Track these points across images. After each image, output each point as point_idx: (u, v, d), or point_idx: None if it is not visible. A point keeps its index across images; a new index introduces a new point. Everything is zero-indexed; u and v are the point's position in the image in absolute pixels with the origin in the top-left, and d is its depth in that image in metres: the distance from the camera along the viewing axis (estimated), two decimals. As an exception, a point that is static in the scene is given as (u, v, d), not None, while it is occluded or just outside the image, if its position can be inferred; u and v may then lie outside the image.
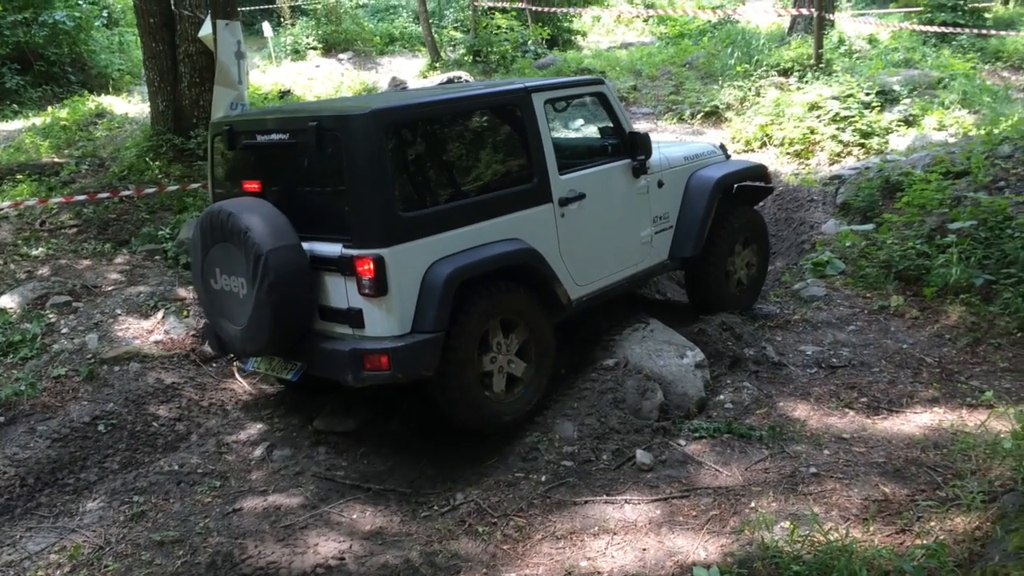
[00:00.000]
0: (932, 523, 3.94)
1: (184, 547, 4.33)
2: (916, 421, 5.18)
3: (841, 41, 15.34)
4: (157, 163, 9.30)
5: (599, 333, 6.02)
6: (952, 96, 12.07)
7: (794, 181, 10.25)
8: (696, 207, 6.39)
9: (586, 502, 4.47)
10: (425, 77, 17.54)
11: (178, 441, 5.56)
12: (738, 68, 14.16)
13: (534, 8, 20.03)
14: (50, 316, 6.55)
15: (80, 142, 11.80)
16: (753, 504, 4.31)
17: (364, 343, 4.68)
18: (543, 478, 4.69)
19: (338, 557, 4.18)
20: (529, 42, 18.94)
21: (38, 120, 13.26)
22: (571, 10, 21.38)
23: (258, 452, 5.34)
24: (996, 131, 9.14)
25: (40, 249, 7.77)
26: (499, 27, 18.40)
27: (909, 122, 11.49)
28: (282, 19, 23.47)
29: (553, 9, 20.70)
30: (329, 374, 4.89)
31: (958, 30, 17.52)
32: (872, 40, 16.42)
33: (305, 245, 4.75)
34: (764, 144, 11.74)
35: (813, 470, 4.60)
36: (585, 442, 4.95)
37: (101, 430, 5.46)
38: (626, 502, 4.45)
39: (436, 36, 19.45)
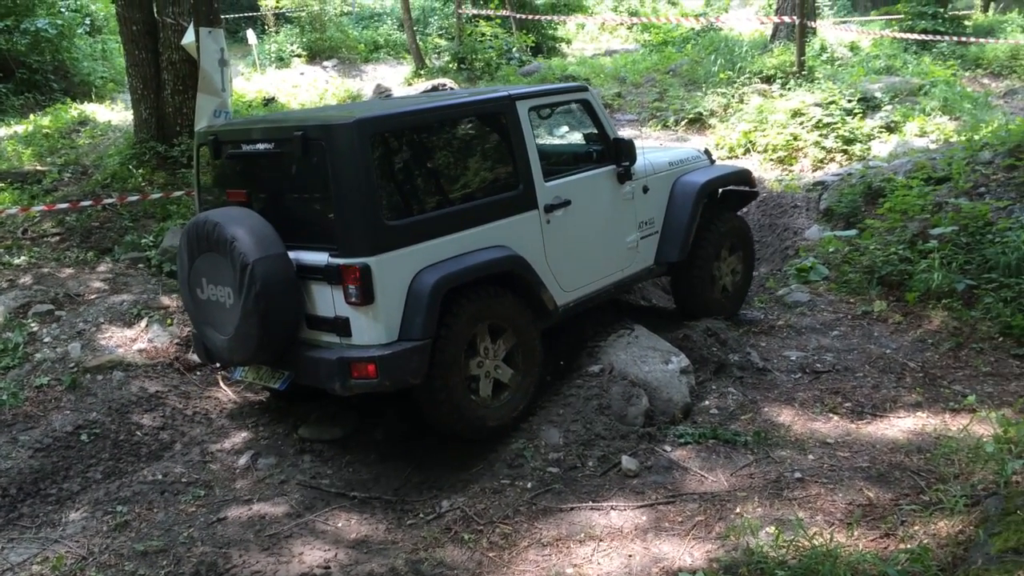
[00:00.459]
0: (916, 527, 3.96)
1: (168, 557, 4.30)
2: (899, 425, 5.21)
3: (823, 48, 15.46)
4: (140, 171, 9.26)
5: (584, 339, 6.03)
6: (933, 103, 12.18)
7: (778, 187, 10.30)
8: (681, 212, 6.42)
9: (572, 509, 4.47)
10: (410, 84, 17.53)
11: (162, 450, 5.52)
12: (721, 75, 14.24)
13: (518, 15, 20.10)
14: (32, 325, 6.50)
15: (63, 150, 11.72)
16: (738, 509, 4.32)
17: (351, 351, 4.67)
18: (529, 485, 4.69)
19: (323, 566, 4.16)
20: (514, 49, 18.98)
21: (20, 128, 13.16)
22: (555, 18, 21.44)
23: (243, 461, 5.31)
24: (976, 137, 9.23)
25: (22, 258, 7.71)
26: (484, 34, 18.43)
27: (891, 128, 11.59)
28: (266, 26, 23.40)
29: (537, 16, 20.77)
30: (316, 383, 4.87)
31: (938, 38, 17.68)
32: (854, 47, 16.57)
33: (291, 254, 4.75)
34: (748, 150, 11.80)
35: (798, 475, 4.62)
36: (571, 448, 4.96)
37: (84, 439, 5.42)
38: (612, 508, 4.45)
39: (421, 44, 19.45)
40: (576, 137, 6.65)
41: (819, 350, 6.46)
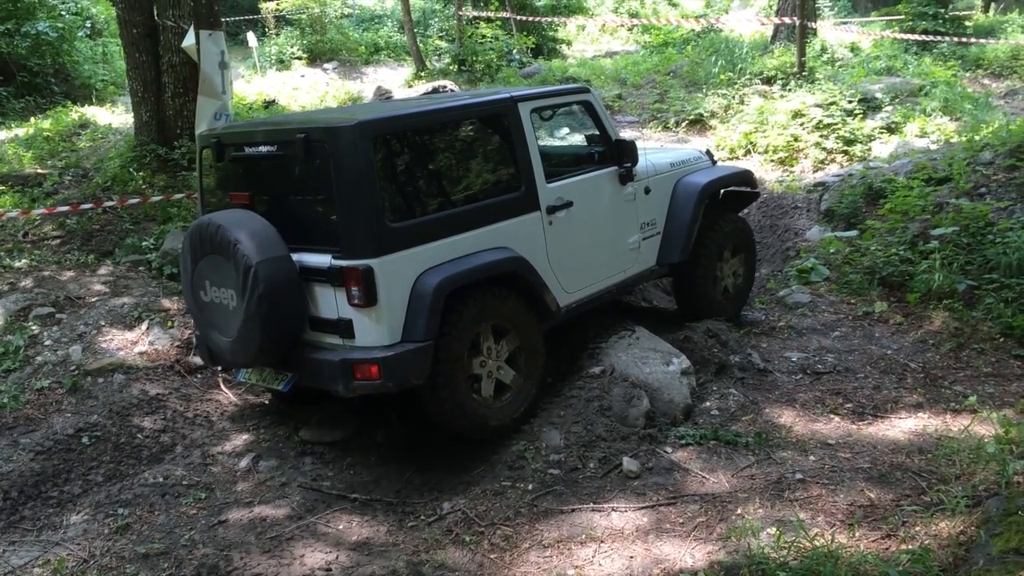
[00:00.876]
0: (917, 528, 3.96)
1: (169, 559, 4.31)
2: (901, 426, 5.21)
3: (823, 49, 15.46)
4: (141, 174, 9.26)
5: (585, 341, 6.03)
6: (933, 103, 12.18)
7: (778, 188, 10.30)
8: (683, 213, 6.43)
9: (573, 510, 4.47)
10: (410, 86, 17.55)
11: (163, 453, 5.52)
12: (722, 76, 14.24)
13: (519, 17, 20.10)
14: (33, 328, 6.50)
15: (63, 153, 11.72)
16: (740, 511, 4.32)
17: (354, 353, 4.69)
18: (530, 486, 4.69)
19: (325, 568, 4.16)
20: (514, 51, 18.99)
21: (21, 131, 13.17)
22: (556, 19, 21.45)
23: (244, 463, 5.31)
24: (977, 138, 9.22)
25: (23, 261, 7.71)
26: (484, 36, 18.44)
27: (891, 129, 11.59)
28: (267, 29, 23.41)
29: (538, 18, 20.78)
30: (320, 384, 4.89)
31: (939, 38, 17.68)
32: (854, 48, 16.56)
33: (294, 256, 4.76)
34: (748, 151, 11.80)
35: (799, 476, 4.61)
36: (572, 450, 4.95)
37: (85, 442, 5.42)
38: (613, 510, 4.45)
39: (421, 45, 19.47)
40: (578, 138, 6.66)
41: (820, 351, 6.46)
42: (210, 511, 4.82)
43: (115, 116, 14.55)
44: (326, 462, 5.30)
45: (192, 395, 6.10)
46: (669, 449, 5.05)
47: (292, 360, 4.94)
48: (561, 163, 6.04)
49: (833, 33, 17.79)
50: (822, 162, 11.23)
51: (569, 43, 22.77)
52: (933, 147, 10.41)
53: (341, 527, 4.59)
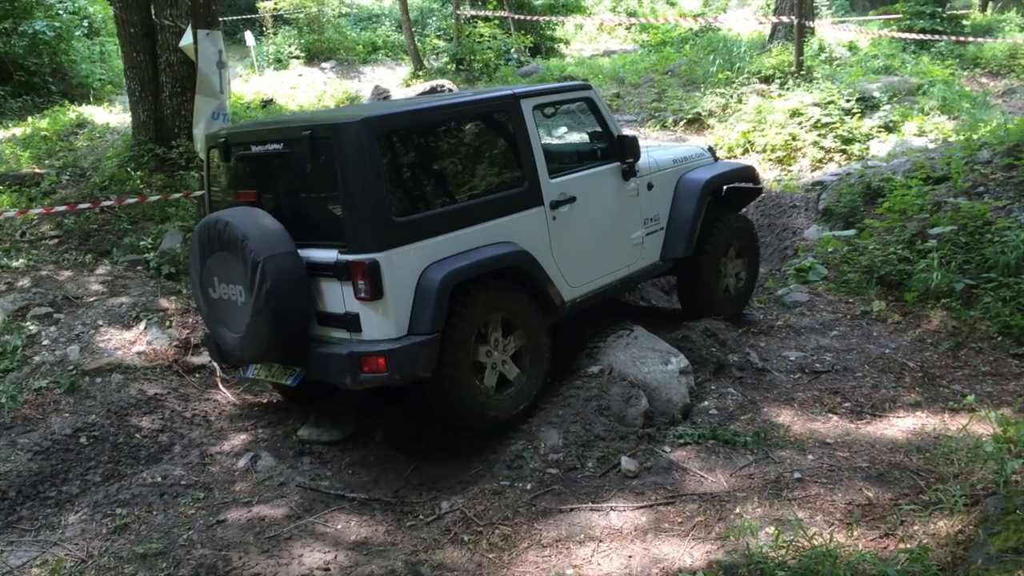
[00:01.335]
0: (915, 527, 3.96)
1: (167, 560, 4.30)
2: (899, 425, 5.21)
3: (821, 48, 15.48)
4: (139, 173, 9.24)
5: (583, 340, 6.03)
6: (931, 102, 12.20)
7: (777, 187, 10.31)
8: (686, 208, 6.46)
9: (572, 510, 4.47)
10: (408, 86, 17.54)
11: (161, 453, 5.51)
12: (720, 75, 14.25)
13: (517, 16, 20.09)
14: (31, 328, 6.49)
15: (61, 152, 11.69)
16: (738, 510, 4.32)
17: (361, 346, 4.73)
18: (528, 486, 4.69)
19: (323, 568, 4.16)
20: (512, 50, 18.99)
21: (18, 130, 13.15)
22: (554, 18, 21.44)
23: (242, 463, 5.31)
24: (975, 137, 9.23)
25: (20, 260, 7.70)
26: (482, 35, 18.44)
27: (889, 128, 11.60)
28: (264, 28, 23.39)
29: (536, 17, 20.77)
30: (327, 378, 4.94)
31: (937, 37, 17.70)
32: (852, 47, 16.58)
33: (301, 252, 4.81)
34: (747, 150, 11.82)
35: (797, 475, 4.62)
36: (570, 449, 4.95)
37: (83, 442, 5.41)
38: (612, 509, 4.45)
39: (419, 45, 19.45)
40: (581, 135, 6.67)
41: (818, 350, 6.46)
42: (208, 511, 4.81)
43: (113, 115, 14.52)
44: (324, 462, 5.30)
45: (190, 395, 6.09)
46: (667, 448, 5.05)
47: (300, 355, 4.98)
48: (564, 159, 6.08)
49: (831, 32, 17.81)
50: (820, 161, 11.24)
51: (567, 42, 22.77)
52: (931, 146, 10.42)
53: (339, 527, 4.58)
